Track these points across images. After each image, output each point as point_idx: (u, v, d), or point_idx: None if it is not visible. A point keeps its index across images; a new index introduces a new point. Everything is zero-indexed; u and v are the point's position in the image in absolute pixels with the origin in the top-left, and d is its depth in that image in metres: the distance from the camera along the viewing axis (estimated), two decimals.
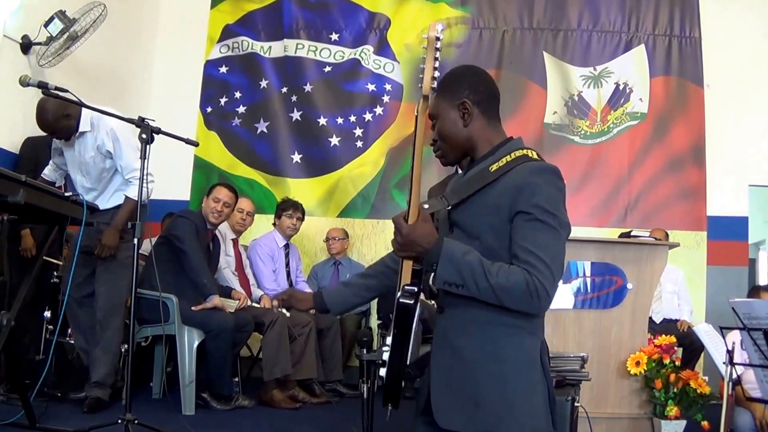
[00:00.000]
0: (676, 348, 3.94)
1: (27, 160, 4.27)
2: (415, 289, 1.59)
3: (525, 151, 1.64)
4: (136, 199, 3.35)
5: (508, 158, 1.61)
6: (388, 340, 1.61)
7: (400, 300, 1.58)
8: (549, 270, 1.49)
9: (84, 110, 3.56)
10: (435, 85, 1.68)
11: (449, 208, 1.63)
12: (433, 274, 1.55)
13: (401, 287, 1.60)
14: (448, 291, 1.55)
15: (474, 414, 1.54)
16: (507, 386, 1.54)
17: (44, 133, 4.46)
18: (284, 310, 4.21)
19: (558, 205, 1.56)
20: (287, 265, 5.00)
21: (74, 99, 3.07)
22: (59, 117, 3.52)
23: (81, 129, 3.62)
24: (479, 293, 1.50)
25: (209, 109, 6.17)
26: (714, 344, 3.27)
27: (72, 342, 3.93)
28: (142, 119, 3.08)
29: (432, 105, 1.70)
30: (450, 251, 1.52)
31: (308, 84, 6.07)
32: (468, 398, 1.56)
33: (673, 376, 3.74)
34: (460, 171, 1.85)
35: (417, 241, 1.54)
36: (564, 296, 3.87)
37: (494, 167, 1.60)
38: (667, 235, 5.13)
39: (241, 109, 6.13)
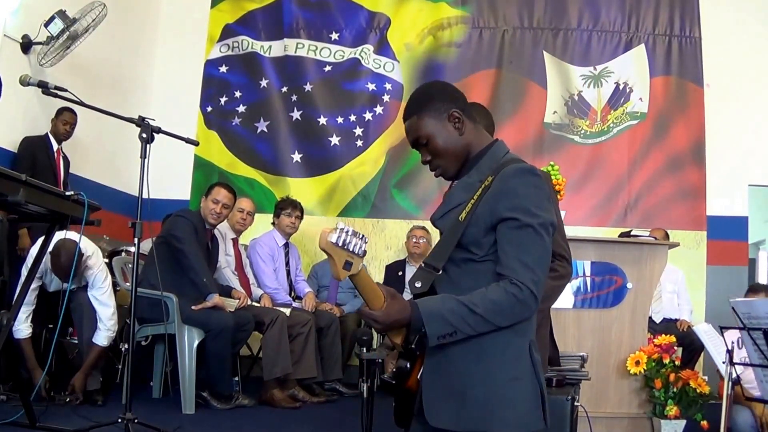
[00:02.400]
0: (675, 348, 3.95)
1: (24, 160, 4.27)
2: (407, 365, 1.66)
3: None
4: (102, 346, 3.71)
5: (479, 192, 1.62)
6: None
7: (394, 379, 1.67)
8: (531, 271, 1.52)
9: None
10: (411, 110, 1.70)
11: (440, 273, 1.65)
12: (424, 335, 1.55)
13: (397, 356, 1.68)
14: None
15: (461, 410, 1.56)
16: (493, 382, 1.55)
17: (41, 133, 4.50)
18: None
19: (539, 203, 1.57)
20: (287, 264, 5.00)
21: (74, 98, 3.06)
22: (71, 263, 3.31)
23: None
24: (474, 329, 1.53)
25: (209, 109, 6.16)
26: (714, 344, 3.27)
27: (72, 341, 3.93)
28: (142, 118, 3.08)
29: (415, 128, 1.69)
30: (429, 309, 1.54)
31: (308, 83, 6.07)
32: (455, 395, 1.57)
33: (672, 376, 3.75)
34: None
35: (396, 320, 1.56)
36: (564, 296, 3.86)
37: (462, 215, 1.61)
38: (667, 234, 5.11)
39: (241, 109, 6.13)
